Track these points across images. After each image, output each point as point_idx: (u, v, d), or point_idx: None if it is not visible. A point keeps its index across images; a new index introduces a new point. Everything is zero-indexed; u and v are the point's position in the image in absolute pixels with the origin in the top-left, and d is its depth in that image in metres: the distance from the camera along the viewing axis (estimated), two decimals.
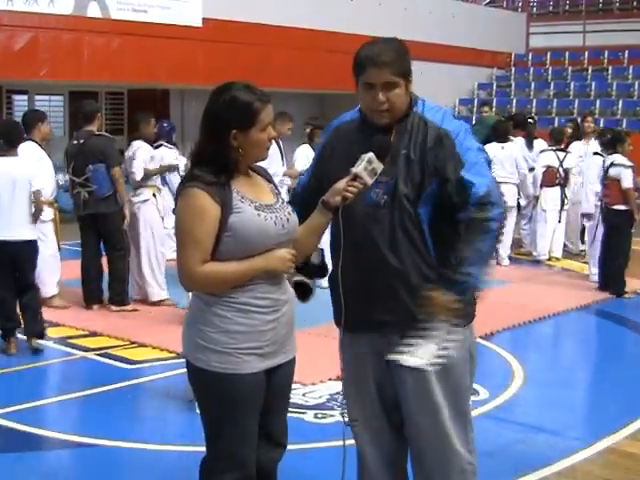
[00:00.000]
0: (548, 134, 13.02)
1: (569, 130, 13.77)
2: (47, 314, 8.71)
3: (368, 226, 3.54)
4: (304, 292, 3.67)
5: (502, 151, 11.78)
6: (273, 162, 10.13)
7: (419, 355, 3.52)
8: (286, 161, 10.80)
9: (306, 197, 3.76)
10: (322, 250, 3.78)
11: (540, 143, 13.20)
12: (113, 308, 9.00)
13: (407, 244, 3.52)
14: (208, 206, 3.31)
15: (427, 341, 3.52)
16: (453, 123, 3.59)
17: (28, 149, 8.80)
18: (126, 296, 9.12)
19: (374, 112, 3.53)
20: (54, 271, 9.10)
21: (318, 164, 3.82)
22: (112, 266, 9.08)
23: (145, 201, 9.38)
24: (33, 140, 8.87)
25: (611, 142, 10.63)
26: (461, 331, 3.60)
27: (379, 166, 3.42)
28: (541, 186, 12.45)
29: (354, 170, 3.41)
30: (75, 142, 9.06)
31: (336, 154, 3.67)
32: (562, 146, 12.61)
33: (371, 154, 3.41)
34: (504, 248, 11.74)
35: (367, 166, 3.40)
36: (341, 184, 3.42)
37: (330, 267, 3.74)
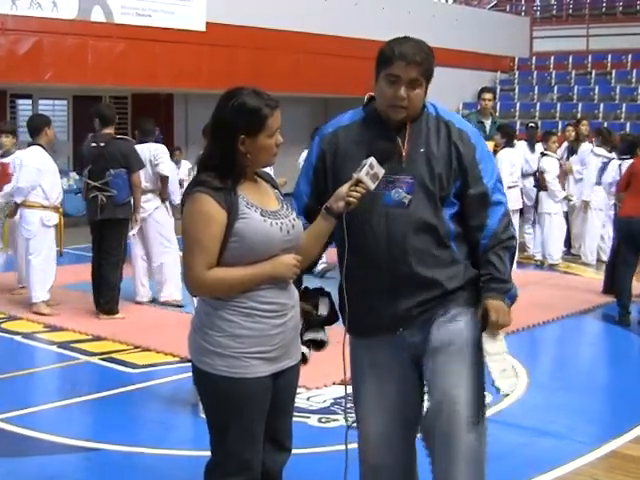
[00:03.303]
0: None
1: (572, 133, 13.78)
2: (51, 319, 8.76)
3: (391, 227, 3.52)
4: (319, 346, 3.69)
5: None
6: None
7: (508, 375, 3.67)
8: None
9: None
10: (329, 296, 3.75)
11: (540, 147, 13.22)
12: (102, 317, 8.84)
13: (432, 242, 3.53)
14: (214, 212, 3.31)
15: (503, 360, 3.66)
16: (469, 127, 3.66)
17: (34, 154, 8.85)
18: (115, 304, 8.96)
19: (392, 107, 3.52)
20: (45, 278, 9.07)
21: (316, 179, 3.71)
22: (104, 273, 8.90)
23: (156, 208, 9.45)
24: (39, 144, 8.90)
25: (629, 146, 10.53)
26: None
27: (381, 171, 3.43)
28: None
29: (356, 175, 3.41)
30: (94, 145, 8.88)
31: (344, 159, 3.60)
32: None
33: (372, 159, 3.42)
34: None
35: (369, 171, 3.40)
36: (344, 189, 3.43)
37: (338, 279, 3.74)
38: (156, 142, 10.79)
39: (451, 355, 3.59)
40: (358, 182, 3.41)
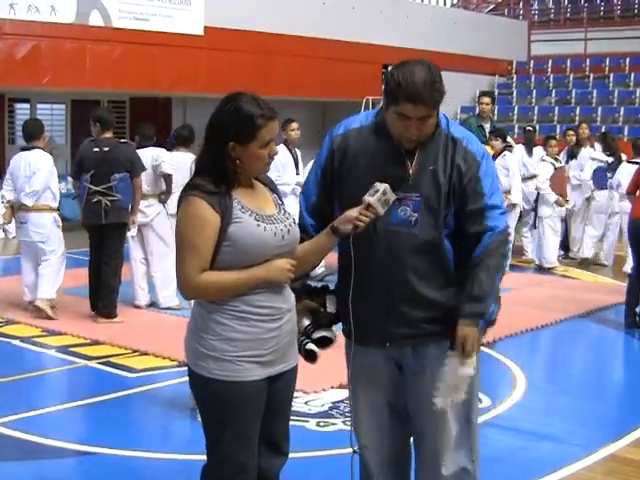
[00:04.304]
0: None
1: (573, 137, 13.79)
2: (49, 323, 8.76)
3: (394, 243, 3.50)
4: (327, 344, 3.65)
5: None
6: (286, 171, 10.19)
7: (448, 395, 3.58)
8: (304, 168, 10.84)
9: (318, 223, 3.64)
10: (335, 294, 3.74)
11: (540, 150, 13.24)
12: (101, 321, 8.85)
13: (433, 262, 3.52)
14: (208, 215, 3.31)
15: (456, 382, 3.57)
16: (477, 145, 3.60)
17: (44, 157, 8.88)
18: (113, 309, 8.95)
19: (405, 139, 3.48)
20: (56, 277, 9.10)
21: (325, 179, 3.67)
22: (103, 277, 8.91)
23: (158, 213, 9.49)
24: (41, 148, 8.94)
25: None
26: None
27: (392, 197, 3.38)
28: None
29: (368, 199, 3.37)
30: (97, 150, 8.86)
31: (351, 164, 3.57)
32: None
33: (386, 185, 3.37)
34: None
35: (381, 197, 3.36)
36: (353, 212, 3.38)
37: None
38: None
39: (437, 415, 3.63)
40: (368, 206, 3.38)
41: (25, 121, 9.68)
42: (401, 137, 3.49)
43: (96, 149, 8.88)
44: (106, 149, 8.82)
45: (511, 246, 3.72)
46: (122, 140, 9.09)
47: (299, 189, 10.30)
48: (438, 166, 3.51)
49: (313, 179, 3.74)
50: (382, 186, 3.38)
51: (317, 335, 3.63)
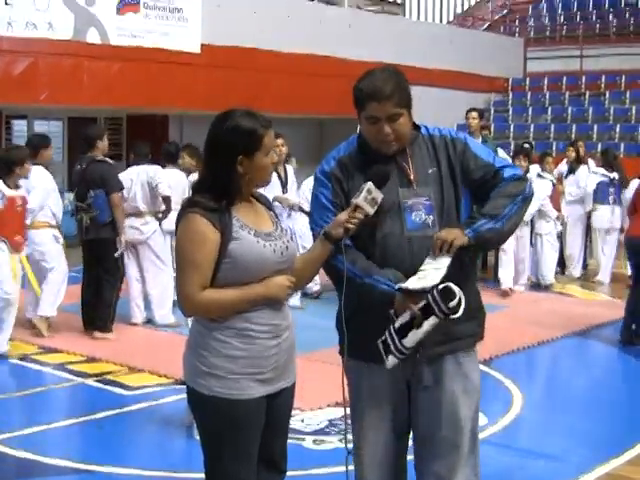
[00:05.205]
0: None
1: (573, 154, 13.78)
2: (45, 340, 8.74)
3: (419, 249, 3.47)
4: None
5: None
6: (273, 188, 10.16)
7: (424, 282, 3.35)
8: (296, 187, 10.80)
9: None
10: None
11: (536, 167, 13.25)
12: (96, 334, 8.89)
13: (456, 259, 3.45)
14: (208, 232, 3.33)
15: (434, 272, 3.36)
16: (459, 133, 3.69)
17: (41, 174, 8.89)
18: (109, 323, 8.99)
19: (381, 143, 3.51)
20: (58, 294, 9.07)
21: (341, 208, 3.55)
22: (101, 291, 8.98)
23: (154, 231, 9.51)
24: (40, 164, 8.96)
25: None
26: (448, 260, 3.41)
27: (379, 195, 3.41)
28: None
29: (355, 201, 3.40)
30: (78, 167, 9.08)
31: (358, 186, 3.52)
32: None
33: (370, 184, 3.41)
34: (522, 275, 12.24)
35: (367, 196, 3.39)
36: (343, 216, 3.42)
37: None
38: None
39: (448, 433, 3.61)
40: (357, 208, 3.40)
41: (28, 137, 9.72)
42: (378, 143, 3.53)
43: (78, 167, 9.13)
44: (84, 166, 8.98)
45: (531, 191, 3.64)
46: (98, 158, 9.06)
47: (277, 204, 10.22)
48: (436, 168, 3.56)
49: (326, 219, 3.57)
50: (366, 185, 3.41)
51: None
